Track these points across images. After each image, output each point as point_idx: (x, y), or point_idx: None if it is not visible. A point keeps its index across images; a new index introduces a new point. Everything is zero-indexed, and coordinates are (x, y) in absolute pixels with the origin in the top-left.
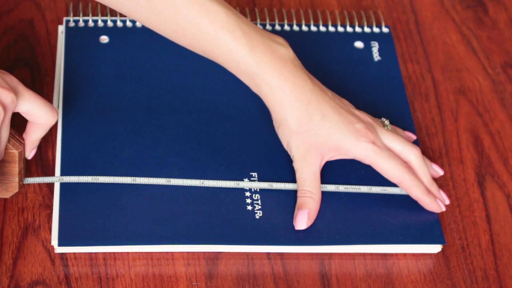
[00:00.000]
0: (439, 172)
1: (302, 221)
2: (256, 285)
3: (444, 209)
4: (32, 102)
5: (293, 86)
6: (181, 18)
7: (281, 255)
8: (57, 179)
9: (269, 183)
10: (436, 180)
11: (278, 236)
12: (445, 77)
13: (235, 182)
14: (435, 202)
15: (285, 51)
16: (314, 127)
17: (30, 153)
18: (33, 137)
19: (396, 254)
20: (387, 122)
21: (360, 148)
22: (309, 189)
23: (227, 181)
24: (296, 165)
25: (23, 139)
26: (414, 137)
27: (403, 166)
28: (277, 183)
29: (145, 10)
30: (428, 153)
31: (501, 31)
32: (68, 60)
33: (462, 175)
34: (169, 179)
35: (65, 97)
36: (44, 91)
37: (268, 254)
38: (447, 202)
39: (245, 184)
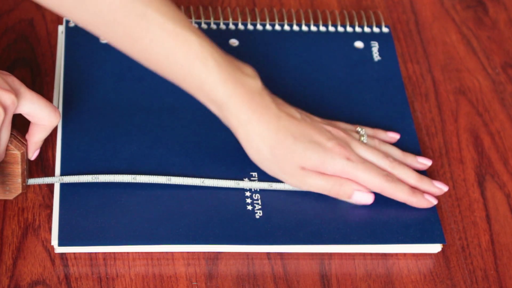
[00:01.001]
0: (426, 163)
1: (364, 198)
2: (256, 285)
3: (435, 202)
4: (34, 103)
5: (261, 117)
6: (156, 46)
7: (281, 255)
8: (57, 180)
9: (269, 183)
10: (437, 179)
11: (278, 236)
12: (445, 77)
13: (235, 181)
14: (423, 199)
15: (254, 83)
16: (288, 151)
17: (33, 154)
18: (35, 138)
19: (396, 254)
20: (362, 131)
21: (337, 165)
22: (329, 189)
23: (227, 181)
24: (295, 185)
25: (25, 140)
26: (397, 136)
27: (381, 175)
28: (277, 183)
29: (121, 36)
30: (428, 153)
31: (501, 31)
32: (68, 60)
33: (462, 175)
34: (169, 177)
35: (65, 97)
36: (44, 91)
37: (268, 254)
38: (445, 189)
39: (245, 184)
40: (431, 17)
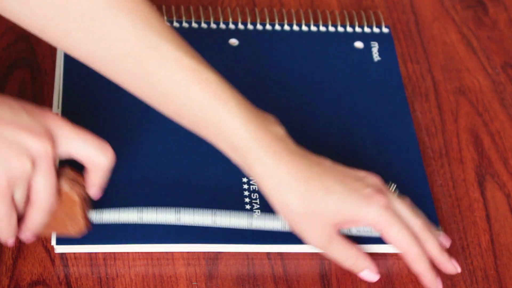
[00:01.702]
0: (446, 243)
1: (370, 277)
2: (256, 285)
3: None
4: (78, 142)
5: (289, 163)
6: (171, 82)
7: (281, 255)
8: (99, 217)
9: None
10: (437, 179)
11: (277, 235)
12: (445, 77)
13: (248, 220)
14: (435, 281)
15: (278, 129)
16: (320, 205)
17: (94, 195)
18: (92, 180)
19: (396, 254)
20: (393, 187)
21: (372, 214)
22: (345, 260)
23: (239, 219)
24: (318, 246)
25: (82, 177)
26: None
27: (412, 238)
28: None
29: (131, 71)
30: (428, 153)
31: (501, 31)
32: (68, 60)
33: (462, 175)
34: (178, 216)
35: (65, 97)
36: (44, 91)
37: (268, 254)
38: (459, 270)
39: (244, 183)
40: (431, 17)
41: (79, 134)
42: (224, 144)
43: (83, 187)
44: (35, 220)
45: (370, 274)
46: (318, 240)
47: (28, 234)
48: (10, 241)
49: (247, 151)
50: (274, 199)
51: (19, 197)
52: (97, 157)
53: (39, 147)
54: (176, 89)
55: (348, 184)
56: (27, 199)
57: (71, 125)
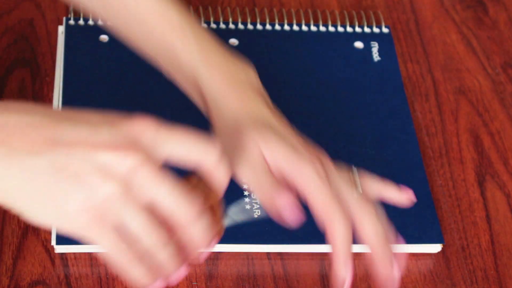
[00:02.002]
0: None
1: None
2: (256, 285)
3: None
4: (174, 144)
5: (247, 102)
6: (146, 13)
7: (281, 255)
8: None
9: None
10: (437, 179)
11: (277, 235)
12: (445, 77)
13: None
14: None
15: (246, 77)
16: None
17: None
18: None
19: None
20: (354, 172)
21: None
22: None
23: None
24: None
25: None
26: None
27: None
28: None
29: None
30: (428, 153)
31: (501, 31)
32: (68, 60)
33: (462, 175)
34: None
35: (65, 97)
36: (44, 91)
37: (268, 254)
38: (397, 275)
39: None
40: (431, 17)
41: (173, 135)
42: (180, 75)
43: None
44: (194, 233)
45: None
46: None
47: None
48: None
49: (198, 77)
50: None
51: (135, 225)
52: (199, 154)
53: (123, 161)
54: (149, 21)
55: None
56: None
57: (163, 126)
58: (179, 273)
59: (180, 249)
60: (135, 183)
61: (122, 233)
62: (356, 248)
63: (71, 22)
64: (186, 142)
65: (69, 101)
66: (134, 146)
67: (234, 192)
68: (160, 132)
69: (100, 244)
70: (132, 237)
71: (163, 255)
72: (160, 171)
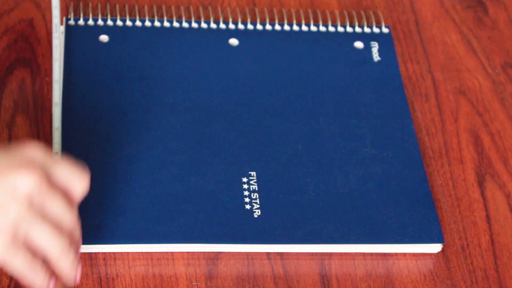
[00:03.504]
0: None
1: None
2: (256, 285)
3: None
4: (60, 169)
5: None
6: None
7: (281, 255)
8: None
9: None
10: (437, 179)
11: (277, 235)
12: (445, 77)
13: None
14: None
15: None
16: None
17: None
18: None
19: (396, 254)
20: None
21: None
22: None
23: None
24: None
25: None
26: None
27: None
28: None
29: None
30: (428, 153)
31: (501, 31)
32: (68, 60)
33: (462, 175)
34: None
35: (65, 97)
36: (44, 91)
37: (268, 254)
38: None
39: (244, 183)
40: (431, 17)
41: (59, 161)
42: None
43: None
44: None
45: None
46: None
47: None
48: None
49: None
50: None
51: (43, 238)
52: (75, 185)
53: (26, 180)
54: None
55: None
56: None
57: (50, 153)
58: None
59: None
60: (37, 199)
61: (28, 245)
62: (355, 248)
63: (71, 22)
64: (66, 167)
65: (69, 101)
66: (30, 165)
67: (234, 192)
68: (47, 156)
69: (13, 263)
70: (38, 247)
71: (67, 261)
72: (54, 186)
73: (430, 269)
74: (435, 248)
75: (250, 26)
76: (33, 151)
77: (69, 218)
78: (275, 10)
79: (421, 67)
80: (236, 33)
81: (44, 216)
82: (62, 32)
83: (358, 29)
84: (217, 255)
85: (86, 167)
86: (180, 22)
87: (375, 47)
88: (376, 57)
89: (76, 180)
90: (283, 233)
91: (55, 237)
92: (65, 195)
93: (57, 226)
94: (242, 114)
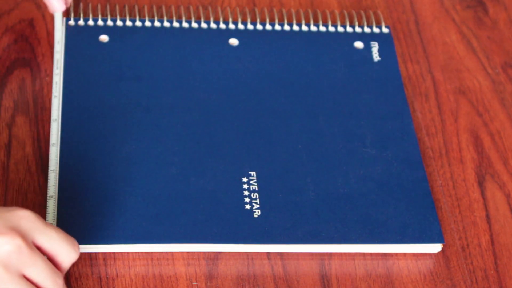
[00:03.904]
0: None
1: None
2: (256, 285)
3: None
4: (52, 238)
5: None
6: None
7: (281, 255)
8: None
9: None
10: (437, 179)
11: (277, 235)
12: (445, 77)
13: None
14: None
15: None
16: None
17: None
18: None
19: (396, 254)
20: None
21: None
22: None
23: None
24: None
25: None
26: None
27: None
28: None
29: None
30: (428, 153)
31: (501, 31)
32: (68, 60)
33: (462, 175)
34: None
35: (65, 97)
36: (44, 91)
37: (268, 254)
38: None
39: (244, 183)
40: (431, 17)
41: (48, 228)
42: None
43: None
44: None
45: None
46: None
47: None
48: None
49: None
50: None
51: None
52: (62, 254)
53: (4, 246)
54: None
55: None
56: None
57: (41, 220)
58: None
59: None
60: (13, 263)
61: None
62: (354, 248)
63: (71, 22)
64: (54, 238)
65: (69, 101)
66: (14, 230)
67: (234, 192)
68: (37, 223)
69: None
70: None
71: None
72: (34, 253)
73: (430, 269)
74: (435, 248)
75: (250, 26)
76: (22, 216)
77: (51, 284)
78: (275, 10)
79: (421, 67)
80: (236, 33)
81: (21, 280)
82: (62, 33)
83: (358, 29)
84: (217, 255)
85: (76, 239)
86: (180, 22)
87: (375, 47)
88: (376, 57)
89: (64, 250)
90: (283, 233)
91: None
92: (51, 262)
93: None
94: (242, 114)
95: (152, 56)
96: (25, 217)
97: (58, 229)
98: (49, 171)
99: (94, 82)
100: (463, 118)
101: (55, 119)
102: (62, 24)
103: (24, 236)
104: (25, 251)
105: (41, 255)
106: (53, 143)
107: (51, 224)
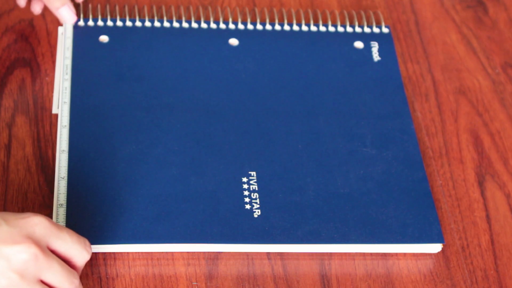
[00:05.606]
0: None
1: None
2: (256, 285)
3: None
4: (67, 242)
5: None
6: None
7: (281, 255)
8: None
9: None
10: (437, 179)
11: (277, 235)
12: (445, 77)
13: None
14: None
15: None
16: None
17: None
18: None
19: (396, 254)
20: None
21: None
22: None
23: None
24: None
25: None
26: None
27: None
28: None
29: None
30: (428, 153)
31: (501, 31)
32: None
33: (462, 175)
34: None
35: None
36: (44, 91)
37: (268, 254)
38: None
39: (244, 183)
40: (431, 17)
41: (61, 233)
42: None
43: None
44: None
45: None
46: None
47: None
48: None
49: None
50: None
51: None
52: (76, 255)
53: (20, 254)
54: None
55: None
56: None
57: (54, 224)
58: None
59: None
60: (30, 271)
61: None
62: (354, 248)
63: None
64: (68, 241)
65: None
66: (29, 238)
67: (234, 192)
68: (51, 228)
69: None
70: None
71: None
72: (49, 258)
73: (430, 269)
74: (435, 248)
75: (250, 26)
76: (36, 223)
77: (68, 286)
78: (275, 10)
79: (421, 67)
80: (236, 33)
81: (38, 286)
82: (62, 33)
83: (358, 29)
84: (217, 255)
85: (88, 239)
86: (180, 22)
87: (375, 47)
88: (376, 57)
89: (77, 251)
90: (283, 233)
91: None
92: (67, 263)
93: None
94: (242, 114)
95: (152, 56)
96: (39, 224)
97: (70, 231)
98: (59, 178)
99: (96, 83)
100: (463, 118)
101: (65, 125)
102: (71, 32)
103: (39, 243)
104: (41, 257)
105: (56, 258)
106: (63, 150)
107: (63, 227)
